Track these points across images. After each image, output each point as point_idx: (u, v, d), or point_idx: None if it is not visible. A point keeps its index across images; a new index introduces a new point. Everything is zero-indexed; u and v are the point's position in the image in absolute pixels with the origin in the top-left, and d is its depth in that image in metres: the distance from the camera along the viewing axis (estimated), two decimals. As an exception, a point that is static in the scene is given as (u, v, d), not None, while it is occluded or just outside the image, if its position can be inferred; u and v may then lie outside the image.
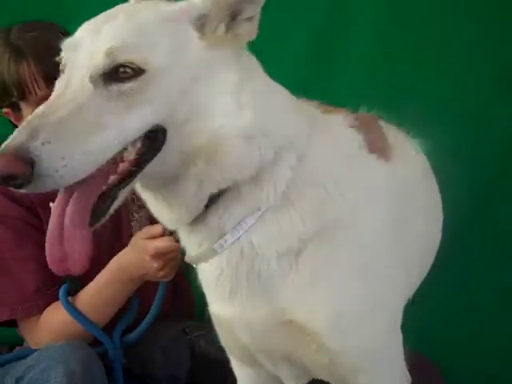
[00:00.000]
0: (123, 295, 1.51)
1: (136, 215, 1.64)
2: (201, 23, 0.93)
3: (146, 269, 1.40)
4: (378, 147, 1.11)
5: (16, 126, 1.46)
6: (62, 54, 0.93)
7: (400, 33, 1.96)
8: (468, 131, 1.95)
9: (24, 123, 0.82)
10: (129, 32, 0.88)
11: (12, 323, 1.57)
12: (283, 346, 1.04)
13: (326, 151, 1.03)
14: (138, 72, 0.86)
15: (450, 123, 1.90)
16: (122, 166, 0.90)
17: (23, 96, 1.46)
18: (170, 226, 1.04)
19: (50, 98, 0.87)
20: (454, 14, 1.94)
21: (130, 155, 0.89)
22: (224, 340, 1.18)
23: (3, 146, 0.79)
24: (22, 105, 1.49)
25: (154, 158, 0.92)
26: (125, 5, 1.01)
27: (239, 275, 1.00)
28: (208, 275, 1.05)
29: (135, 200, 1.61)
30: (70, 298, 1.51)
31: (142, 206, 1.59)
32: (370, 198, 1.05)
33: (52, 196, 1.48)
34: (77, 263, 0.91)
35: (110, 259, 1.59)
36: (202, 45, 0.92)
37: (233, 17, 0.93)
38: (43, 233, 1.49)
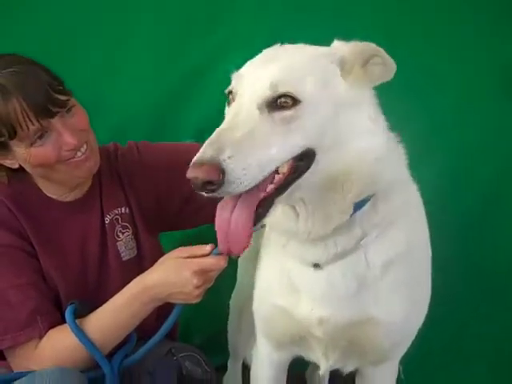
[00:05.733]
0: (141, 317, 1.49)
1: (121, 236, 1.64)
2: (341, 65, 1.13)
3: (182, 286, 1.40)
4: None
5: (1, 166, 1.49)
6: (233, 84, 1.13)
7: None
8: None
9: (209, 141, 1.01)
10: (286, 68, 1.09)
11: None
12: (355, 336, 1.29)
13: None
14: (294, 102, 1.05)
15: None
16: (277, 178, 1.07)
17: (14, 134, 1.39)
18: (305, 238, 1.19)
19: (225, 121, 1.06)
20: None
21: (284, 169, 1.07)
22: (277, 332, 1.40)
23: (197, 158, 0.98)
24: (12, 143, 1.42)
25: (304, 175, 1.10)
26: (279, 46, 1.21)
27: (349, 279, 1.22)
28: (317, 278, 1.24)
29: (119, 220, 1.63)
30: (77, 320, 1.47)
31: (126, 227, 1.64)
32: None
33: (45, 225, 1.54)
34: (238, 250, 1.10)
35: (96, 280, 1.61)
36: (345, 82, 1.13)
37: (364, 62, 1.14)
38: (38, 260, 1.52)
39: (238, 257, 1.42)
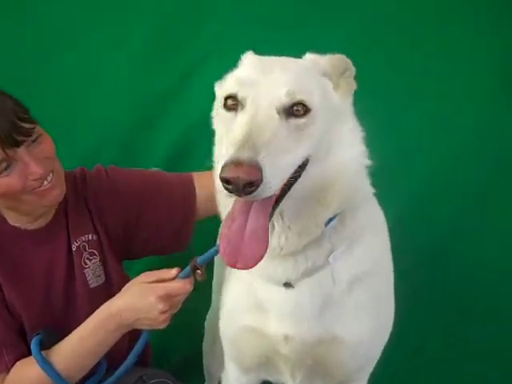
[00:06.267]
0: (108, 344, 1.47)
1: (89, 262, 1.61)
2: (329, 77, 1.17)
3: (147, 312, 1.38)
4: None
5: None
6: (237, 89, 1.10)
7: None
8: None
9: (240, 141, 0.98)
10: (297, 78, 1.10)
11: None
12: (320, 356, 1.27)
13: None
14: (306, 111, 1.07)
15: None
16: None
17: None
18: (276, 254, 1.17)
19: (243, 124, 1.02)
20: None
21: None
22: (244, 353, 1.37)
23: (234, 157, 0.95)
24: None
25: (295, 184, 1.09)
26: (267, 58, 1.22)
27: (316, 297, 1.21)
28: (284, 296, 1.23)
29: (86, 247, 1.60)
30: (44, 351, 1.45)
31: (93, 254, 1.61)
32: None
33: (9, 254, 1.49)
34: (249, 263, 1.04)
35: (63, 309, 1.58)
36: (336, 94, 1.17)
37: (342, 74, 1.20)
38: (1, 290, 1.49)
39: (204, 281, 1.39)
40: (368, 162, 1.22)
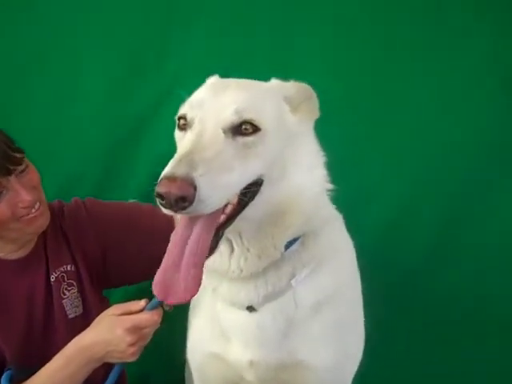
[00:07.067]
0: (81, 376, 1.48)
1: (67, 293, 1.64)
2: (288, 102, 1.19)
3: (116, 345, 1.40)
4: None
5: None
6: (186, 110, 1.14)
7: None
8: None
9: (179, 157, 0.99)
10: (248, 98, 1.12)
11: None
12: (286, 381, 1.27)
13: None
14: (255, 130, 1.08)
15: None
16: (229, 208, 1.07)
17: None
18: (236, 276, 1.17)
19: (188, 141, 1.05)
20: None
21: (234, 199, 1.07)
22: (211, 380, 1.37)
23: (168, 173, 0.96)
24: None
25: (249, 205, 1.10)
26: (227, 79, 1.25)
27: (278, 321, 1.21)
28: (247, 321, 1.23)
29: (65, 278, 1.64)
30: None
31: (71, 284, 1.64)
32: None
33: None
34: (184, 293, 1.02)
35: (42, 339, 1.60)
36: (294, 117, 1.18)
37: (304, 101, 1.21)
38: None
39: (171, 310, 1.37)
40: (329, 186, 1.22)
